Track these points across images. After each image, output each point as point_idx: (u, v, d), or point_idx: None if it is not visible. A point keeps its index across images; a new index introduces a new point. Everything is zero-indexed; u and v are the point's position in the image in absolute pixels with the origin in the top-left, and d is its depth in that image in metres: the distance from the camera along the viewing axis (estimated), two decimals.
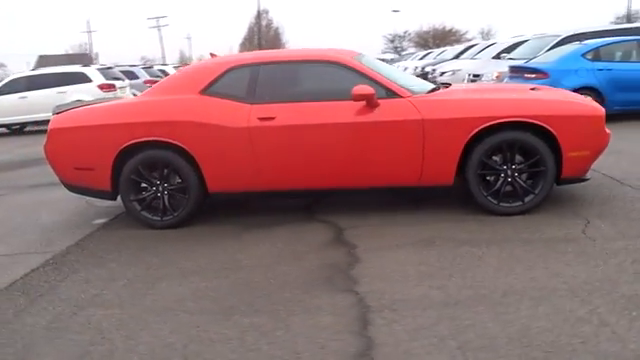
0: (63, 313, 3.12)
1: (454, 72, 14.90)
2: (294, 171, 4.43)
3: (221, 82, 4.52)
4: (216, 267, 3.68)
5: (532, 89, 4.85)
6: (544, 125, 4.16)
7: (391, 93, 4.33)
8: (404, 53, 47.16)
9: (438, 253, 3.64)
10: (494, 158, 4.32)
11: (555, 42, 11.56)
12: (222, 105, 4.45)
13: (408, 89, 4.42)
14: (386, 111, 4.27)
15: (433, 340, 2.55)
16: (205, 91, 4.51)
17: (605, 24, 27.31)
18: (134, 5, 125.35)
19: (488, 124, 4.17)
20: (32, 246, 4.42)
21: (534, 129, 4.20)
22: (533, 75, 9.24)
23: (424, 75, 20.24)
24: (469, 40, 52.74)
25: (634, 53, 9.12)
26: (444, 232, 4.03)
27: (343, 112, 4.32)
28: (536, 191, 4.29)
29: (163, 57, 63.96)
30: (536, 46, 12.41)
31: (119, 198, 4.69)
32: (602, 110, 4.30)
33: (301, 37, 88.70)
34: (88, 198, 5.58)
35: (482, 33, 52.45)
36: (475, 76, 12.25)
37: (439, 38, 49.79)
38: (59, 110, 4.81)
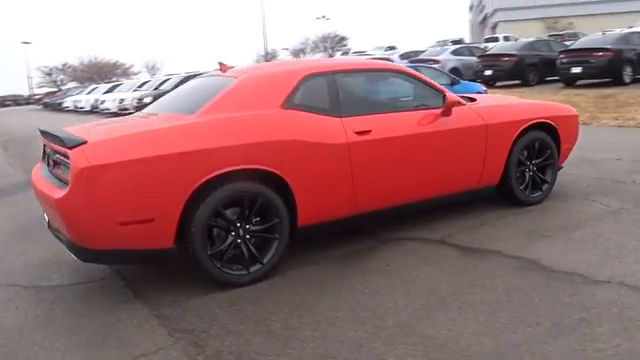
0: None
1: None
2: (390, 187, 4.05)
3: (299, 93, 3.78)
4: (440, 299, 3.12)
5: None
6: (553, 124, 4.94)
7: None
8: (65, 87, 43.31)
9: (566, 239, 3.96)
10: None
11: None
12: (312, 120, 3.74)
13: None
14: (460, 118, 4.34)
15: None
16: (286, 104, 3.69)
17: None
18: None
19: (527, 125, 4.71)
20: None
21: (546, 128, 4.93)
22: None
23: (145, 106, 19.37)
24: (136, 74, 52.14)
25: None
26: (525, 225, 4.34)
27: (427, 121, 4.19)
28: (549, 180, 5.03)
29: None
30: None
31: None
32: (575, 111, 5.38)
33: None
34: None
35: (147, 67, 52.60)
36: None
37: (104, 72, 47.50)
38: (77, 141, 3.10)
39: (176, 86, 19.74)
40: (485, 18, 64.85)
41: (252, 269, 3.52)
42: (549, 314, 2.87)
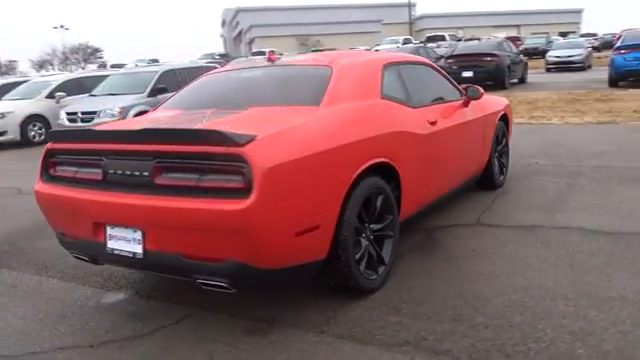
0: None
1: (4, 115, 12.51)
2: (446, 176, 4.16)
3: (385, 83, 3.62)
4: (578, 269, 3.34)
5: None
6: (507, 115, 5.63)
7: (463, 94, 4.72)
8: None
9: (574, 210, 4.60)
10: None
11: (156, 78, 11.87)
12: (403, 110, 3.62)
13: None
14: (473, 109, 4.65)
15: None
16: (382, 94, 3.51)
17: None
18: None
19: (499, 116, 5.28)
20: None
21: (502, 118, 5.58)
22: None
23: None
24: None
25: None
26: (524, 203, 4.86)
27: (458, 111, 4.40)
28: (506, 165, 5.70)
29: None
30: (122, 81, 12.35)
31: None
32: None
33: None
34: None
35: None
36: (88, 113, 10.89)
37: None
38: (248, 137, 2.41)
39: None
40: (240, 33, 67.34)
41: (380, 271, 3.24)
42: None
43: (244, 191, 2.40)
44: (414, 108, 3.77)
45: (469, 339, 2.61)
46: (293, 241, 2.59)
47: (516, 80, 16.88)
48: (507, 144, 5.64)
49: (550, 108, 11.53)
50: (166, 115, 3.47)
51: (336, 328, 2.80)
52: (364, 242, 3.12)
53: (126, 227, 2.75)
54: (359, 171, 2.95)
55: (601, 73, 18.40)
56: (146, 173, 2.67)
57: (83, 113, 10.98)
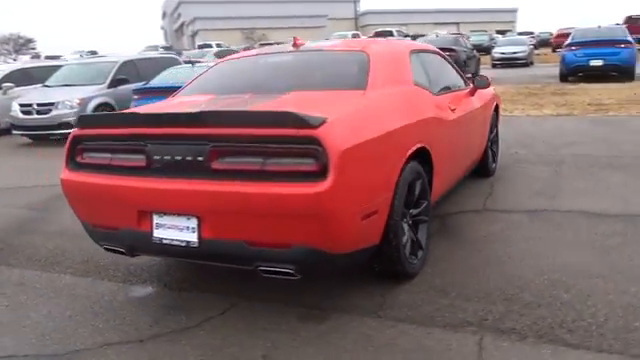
0: None
1: None
2: (461, 162, 4.23)
3: (412, 70, 3.62)
4: (603, 247, 3.49)
5: None
6: (498, 104, 5.79)
7: (467, 83, 4.81)
8: None
9: (572, 194, 4.80)
10: None
11: (116, 68, 11.41)
12: (431, 97, 3.64)
13: None
14: (478, 98, 4.76)
15: None
16: (414, 80, 3.51)
17: None
18: None
19: (494, 104, 5.43)
20: None
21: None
22: (165, 94, 9.38)
23: None
24: None
25: None
26: (524, 191, 5.04)
27: (467, 99, 4.48)
28: (497, 154, 5.87)
29: None
30: (79, 71, 11.80)
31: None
32: None
33: None
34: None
35: None
36: (45, 105, 10.30)
37: None
38: (320, 119, 2.34)
39: None
40: (183, 26, 65.73)
41: (419, 255, 3.26)
42: None
43: (318, 174, 2.35)
44: (436, 95, 3.81)
45: (527, 317, 2.67)
46: (360, 225, 2.56)
47: (469, 75, 17.37)
48: (497, 133, 5.81)
49: (510, 101, 11.93)
50: (197, 100, 3.32)
51: (392, 312, 2.80)
52: (406, 227, 3.13)
53: (178, 215, 2.62)
54: (407, 155, 2.95)
55: (546, 69, 19.33)
56: (201, 158, 2.56)
57: (39, 105, 10.36)
